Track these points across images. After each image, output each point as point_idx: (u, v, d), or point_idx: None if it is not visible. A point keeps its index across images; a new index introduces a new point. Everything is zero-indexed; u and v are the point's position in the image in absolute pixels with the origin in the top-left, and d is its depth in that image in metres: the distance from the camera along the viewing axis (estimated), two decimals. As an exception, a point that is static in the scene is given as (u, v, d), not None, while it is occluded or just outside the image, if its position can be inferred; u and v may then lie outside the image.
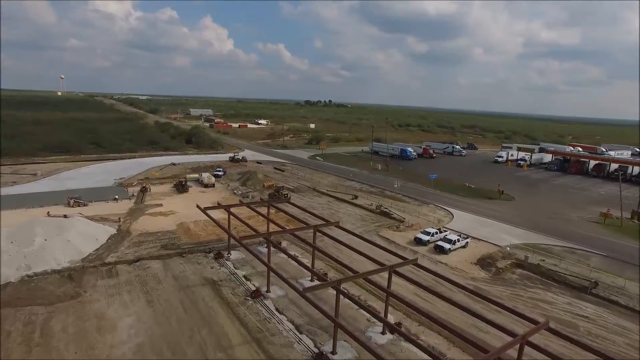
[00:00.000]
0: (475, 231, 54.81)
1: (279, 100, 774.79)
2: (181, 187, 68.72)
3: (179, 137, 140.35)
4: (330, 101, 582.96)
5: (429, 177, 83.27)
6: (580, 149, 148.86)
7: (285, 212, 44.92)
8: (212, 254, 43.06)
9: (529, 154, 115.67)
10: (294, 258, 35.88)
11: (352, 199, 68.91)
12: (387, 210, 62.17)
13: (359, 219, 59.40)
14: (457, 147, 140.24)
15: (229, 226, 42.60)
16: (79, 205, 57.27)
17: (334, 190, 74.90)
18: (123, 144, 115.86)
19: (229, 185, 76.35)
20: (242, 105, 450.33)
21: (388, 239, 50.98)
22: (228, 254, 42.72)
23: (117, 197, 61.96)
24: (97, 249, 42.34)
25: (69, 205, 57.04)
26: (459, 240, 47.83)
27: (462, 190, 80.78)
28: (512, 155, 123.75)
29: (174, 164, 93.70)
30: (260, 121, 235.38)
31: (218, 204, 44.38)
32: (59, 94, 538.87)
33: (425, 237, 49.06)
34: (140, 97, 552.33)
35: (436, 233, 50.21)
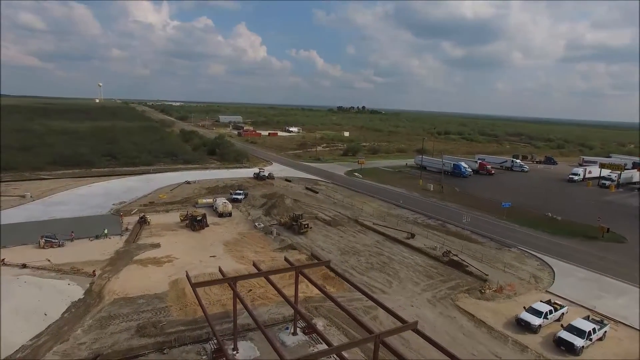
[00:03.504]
0: (600, 302, 36.96)
1: (312, 106, 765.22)
2: (197, 224, 51.85)
3: (202, 147, 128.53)
4: (363, 107, 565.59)
5: (502, 206, 64.92)
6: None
7: (321, 290, 28.43)
8: (208, 347, 27.98)
9: (618, 171, 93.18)
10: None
11: (408, 238, 52.25)
12: (459, 260, 45.15)
13: (421, 272, 42.70)
14: (518, 161, 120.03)
15: (234, 310, 27.30)
16: (51, 246, 43.86)
17: (382, 224, 58.32)
18: (140, 157, 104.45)
19: (249, 213, 61.44)
20: (273, 111, 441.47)
21: (473, 316, 34.10)
22: (234, 350, 27.40)
23: (101, 233, 48.23)
24: (37, 336, 28.03)
25: (39, 245, 43.80)
26: (594, 330, 30.25)
27: (545, 223, 62.37)
28: (590, 172, 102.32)
29: (188, 183, 79.97)
30: (291, 129, 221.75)
31: (221, 271, 29.06)
32: (97, 101, 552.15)
33: (536, 321, 31.71)
34: (174, 104, 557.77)
35: (550, 311, 32.87)
